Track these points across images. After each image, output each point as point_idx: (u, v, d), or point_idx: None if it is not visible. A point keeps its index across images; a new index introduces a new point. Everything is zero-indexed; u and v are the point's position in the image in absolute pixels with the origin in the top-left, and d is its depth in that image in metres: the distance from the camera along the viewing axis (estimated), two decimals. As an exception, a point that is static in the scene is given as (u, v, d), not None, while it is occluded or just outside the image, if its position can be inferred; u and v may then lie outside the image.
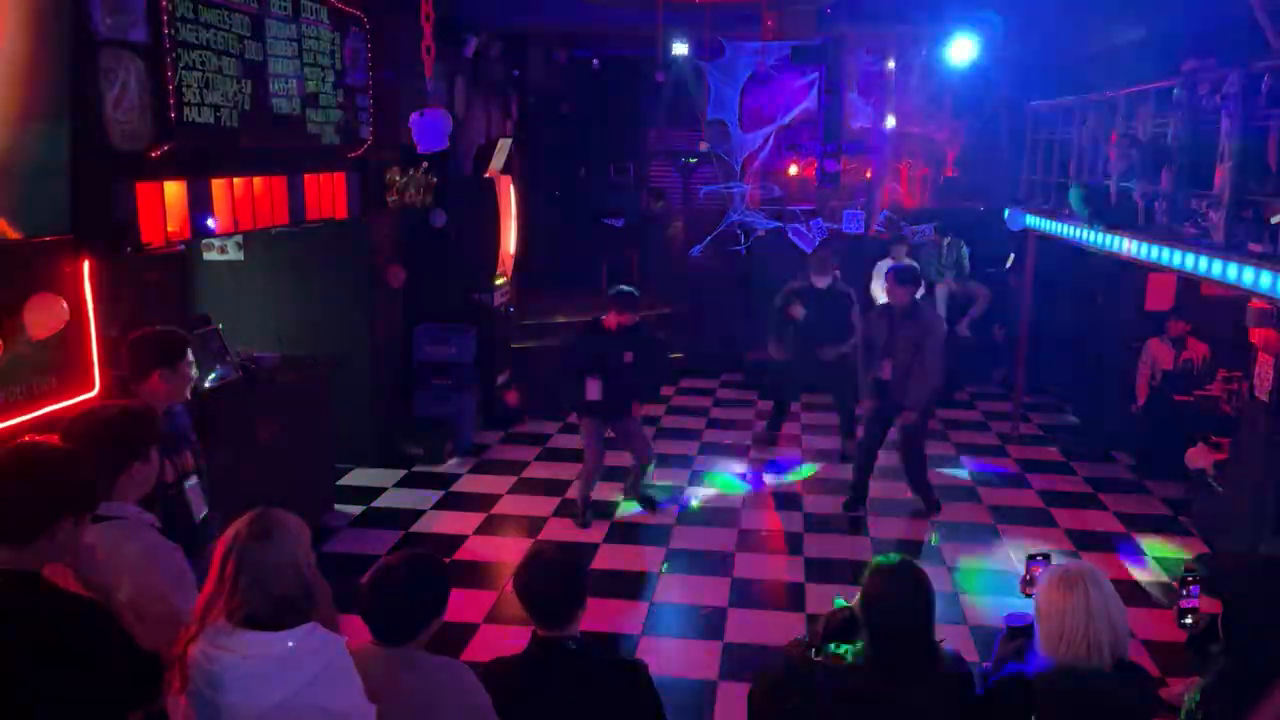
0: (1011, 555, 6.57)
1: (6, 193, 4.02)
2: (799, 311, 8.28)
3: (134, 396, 3.63)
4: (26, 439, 2.52)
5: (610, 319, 6.79)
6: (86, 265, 4.48)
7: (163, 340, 3.79)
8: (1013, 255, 11.25)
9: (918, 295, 7.07)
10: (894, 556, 2.87)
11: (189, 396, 3.88)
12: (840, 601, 3.00)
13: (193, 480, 3.71)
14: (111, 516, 2.76)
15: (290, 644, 2.27)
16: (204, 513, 3.70)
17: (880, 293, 11.26)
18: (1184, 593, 3.15)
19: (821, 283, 8.34)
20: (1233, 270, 5.22)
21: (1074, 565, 2.67)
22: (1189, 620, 3.10)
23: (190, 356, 3.79)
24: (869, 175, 12.63)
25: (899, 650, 2.66)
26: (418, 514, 7.17)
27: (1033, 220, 8.82)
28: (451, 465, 8.18)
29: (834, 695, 2.66)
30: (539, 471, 8.14)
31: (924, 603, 2.70)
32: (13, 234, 4.07)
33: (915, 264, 10.07)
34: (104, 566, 2.67)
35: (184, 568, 2.84)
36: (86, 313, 4.48)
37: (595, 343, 6.80)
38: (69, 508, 2.34)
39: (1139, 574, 6.35)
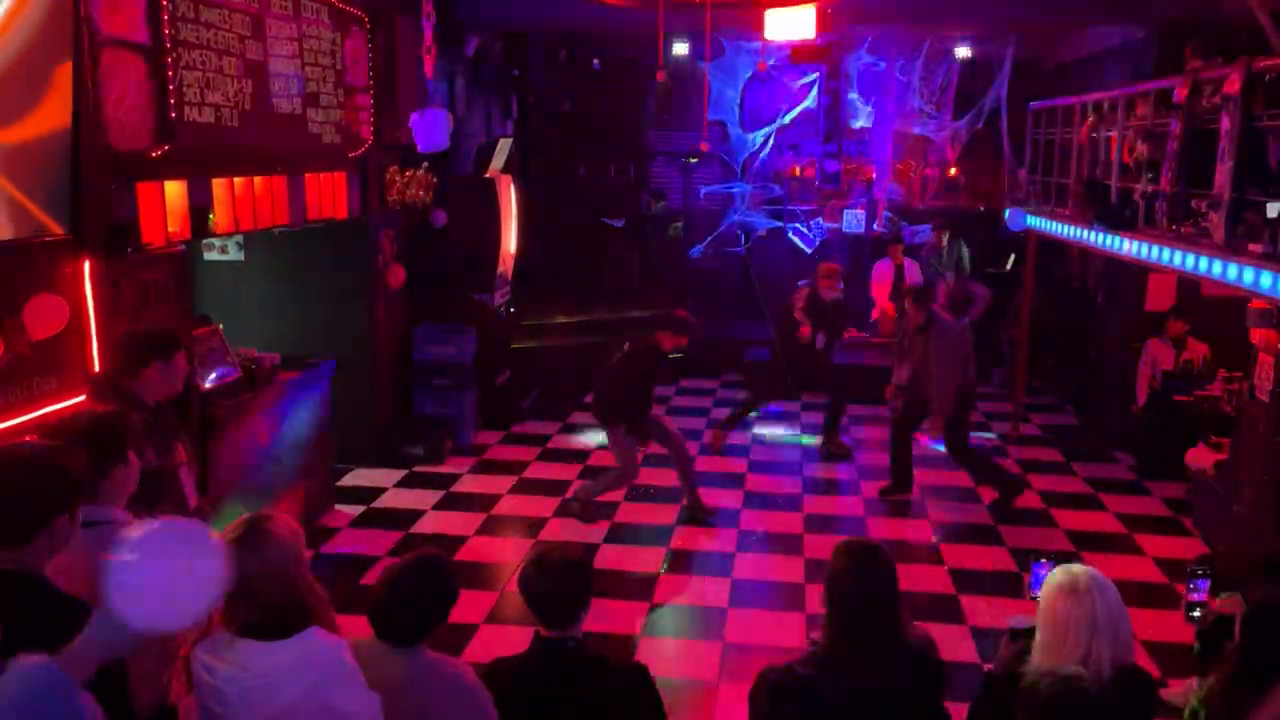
0: (1011, 555, 6.57)
1: (7, 192, 4.02)
2: (808, 332, 8.40)
3: (122, 392, 3.70)
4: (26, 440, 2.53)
5: (667, 341, 6.97)
6: (86, 265, 4.48)
7: (159, 334, 3.96)
8: (1013, 255, 11.26)
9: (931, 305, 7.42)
10: (858, 539, 2.89)
11: (180, 389, 3.98)
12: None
13: (186, 472, 3.77)
14: (98, 522, 2.75)
15: (289, 654, 2.26)
16: (194, 504, 3.78)
17: (880, 293, 11.28)
18: (1191, 586, 3.15)
19: (829, 295, 8.41)
20: (1233, 270, 5.21)
21: (1082, 573, 2.63)
22: (1197, 614, 3.10)
23: (184, 351, 3.91)
24: (869, 175, 12.63)
25: (857, 623, 2.68)
26: (418, 514, 7.17)
27: (1033, 220, 8.82)
28: (451, 465, 8.17)
29: (814, 679, 2.67)
30: (539, 472, 8.14)
31: (881, 577, 2.70)
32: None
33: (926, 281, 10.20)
34: (91, 573, 2.66)
35: None
36: (86, 313, 4.48)
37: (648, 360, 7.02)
38: (64, 503, 2.35)
39: (1139, 575, 6.35)
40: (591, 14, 8.92)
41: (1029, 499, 7.67)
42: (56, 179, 4.26)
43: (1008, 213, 9.36)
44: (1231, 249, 5.29)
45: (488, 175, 9.26)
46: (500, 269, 9.41)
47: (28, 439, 2.58)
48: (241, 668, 2.24)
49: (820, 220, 13.02)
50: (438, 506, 7.34)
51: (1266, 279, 4.88)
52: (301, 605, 2.34)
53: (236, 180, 5.73)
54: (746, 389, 10.16)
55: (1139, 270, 7.84)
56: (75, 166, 4.33)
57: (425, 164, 8.13)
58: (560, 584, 2.80)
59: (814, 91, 12.86)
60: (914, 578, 6.06)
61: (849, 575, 2.69)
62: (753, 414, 9.13)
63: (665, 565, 6.41)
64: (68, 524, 2.36)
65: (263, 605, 2.27)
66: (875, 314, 11.43)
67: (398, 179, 7.90)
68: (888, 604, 2.70)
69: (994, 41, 11.72)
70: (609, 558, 6.47)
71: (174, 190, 5.16)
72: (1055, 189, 8.57)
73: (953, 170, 12.88)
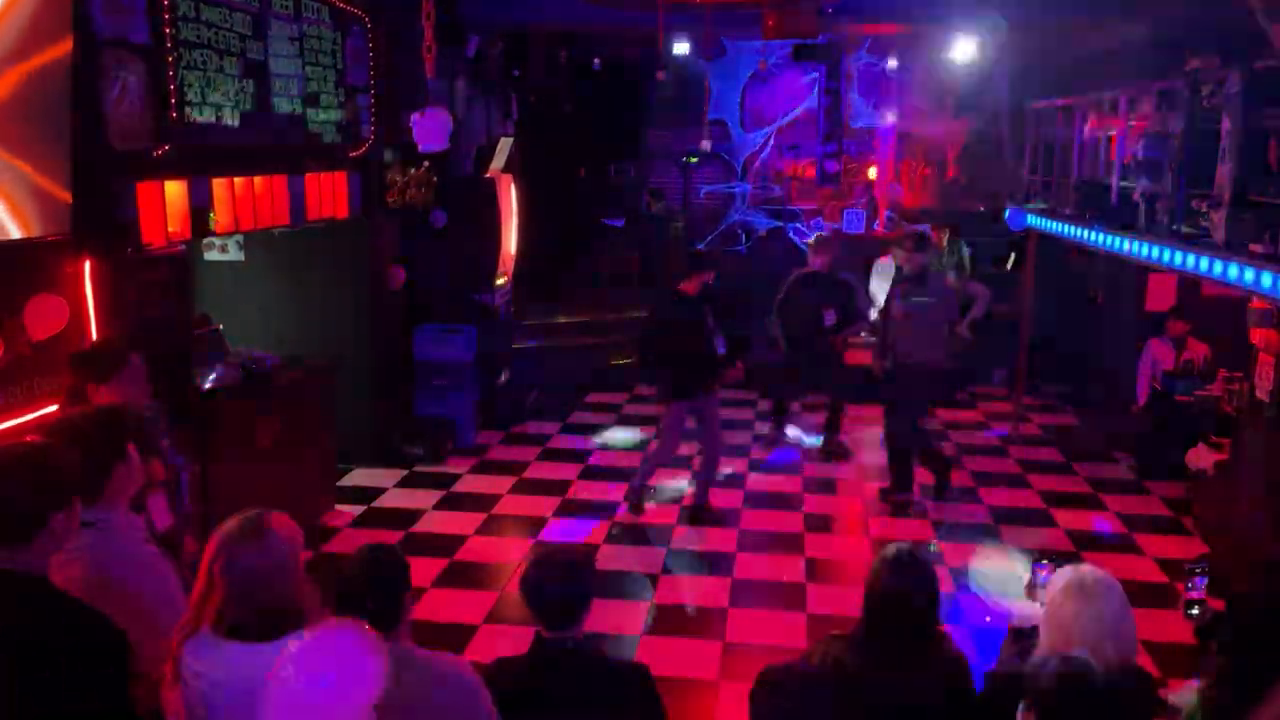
0: (1012, 555, 6.57)
1: (8, 191, 4.02)
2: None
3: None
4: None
5: (691, 284, 6.76)
6: (86, 265, 4.48)
7: (95, 354, 3.78)
8: (1014, 255, 11.25)
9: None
10: (904, 545, 2.85)
11: (139, 406, 3.76)
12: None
13: (158, 492, 3.60)
14: (94, 522, 2.71)
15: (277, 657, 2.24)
16: (168, 524, 3.60)
17: (880, 291, 11.29)
18: (1189, 585, 3.16)
19: (818, 263, 8.39)
20: (1233, 270, 5.21)
21: (1092, 573, 2.62)
22: (1195, 611, 3.11)
23: (132, 368, 3.70)
24: (869, 175, 12.64)
25: (892, 633, 2.67)
26: (418, 514, 7.17)
27: (1033, 220, 8.82)
28: (451, 465, 8.17)
29: (832, 683, 2.66)
30: (539, 472, 8.14)
31: (918, 588, 2.69)
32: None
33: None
34: (85, 573, 2.64)
35: (166, 574, 2.81)
36: (87, 313, 4.48)
37: (682, 309, 6.78)
38: (63, 501, 2.35)
39: (1139, 575, 6.35)
40: (591, 14, 8.93)
41: (1029, 499, 7.67)
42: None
43: (1008, 213, 9.36)
44: (1231, 249, 5.29)
45: (488, 175, 9.26)
46: (500, 269, 9.41)
47: (27, 438, 2.57)
48: (228, 671, 2.22)
49: (821, 220, 13.04)
50: (438, 506, 7.34)
51: (1266, 279, 4.88)
52: (297, 607, 2.33)
53: (236, 180, 5.73)
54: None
55: (1139, 270, 7.84)
56: (76, 166, 4.33)
57: (425, 164, 8.13)
58: (562, 585, 2.79)
59: (814, 91, 12.87)
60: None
61: (879, 580, 2.69)
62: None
63: (665, 566, 6.41)
64: (65, 522, 2.36)
65: (261, 602, 2.26)
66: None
67: (398, 179, 7.90)
68: (912, 614, 2.68)
69: (995, 41, 11.71)
70: (609, 558, 6.47)
71: (174, 190, 5.16)
72: (1055, 189, 8.57)
73: (953, 170, 12.88)
